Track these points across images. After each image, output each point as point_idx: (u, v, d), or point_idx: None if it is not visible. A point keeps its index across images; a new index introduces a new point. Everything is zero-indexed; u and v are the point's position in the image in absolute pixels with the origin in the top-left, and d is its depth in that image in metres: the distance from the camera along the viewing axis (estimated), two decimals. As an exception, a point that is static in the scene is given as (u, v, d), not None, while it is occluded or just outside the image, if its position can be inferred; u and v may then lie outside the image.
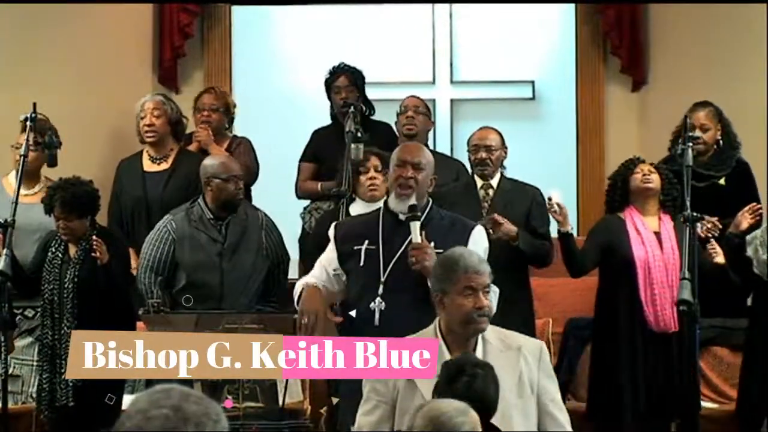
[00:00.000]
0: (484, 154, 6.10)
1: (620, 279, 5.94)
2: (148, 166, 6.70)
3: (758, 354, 6.05)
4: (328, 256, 4.93)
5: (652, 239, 5.93)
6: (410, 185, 4.82)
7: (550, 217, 5.92)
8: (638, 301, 5.86)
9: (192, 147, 6.83)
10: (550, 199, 5.87)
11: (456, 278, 4.13)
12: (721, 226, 5.93)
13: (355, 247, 4.83)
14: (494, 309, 4.63)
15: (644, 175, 6.01)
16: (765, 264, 5.99)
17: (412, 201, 4.81)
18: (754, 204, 6.01)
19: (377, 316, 4.67)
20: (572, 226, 5.94)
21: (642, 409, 5.87)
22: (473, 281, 4.11)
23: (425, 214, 4.86)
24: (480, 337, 4.16)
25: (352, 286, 4.85)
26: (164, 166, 6.68)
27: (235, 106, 7.20)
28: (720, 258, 5.77)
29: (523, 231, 5.88)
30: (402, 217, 4.81)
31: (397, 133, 7.00)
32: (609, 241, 5.98)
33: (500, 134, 6.19)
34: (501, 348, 4.16)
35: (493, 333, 4.21)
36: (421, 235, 4.74)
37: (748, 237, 5.99)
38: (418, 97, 6.95)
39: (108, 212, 6.69)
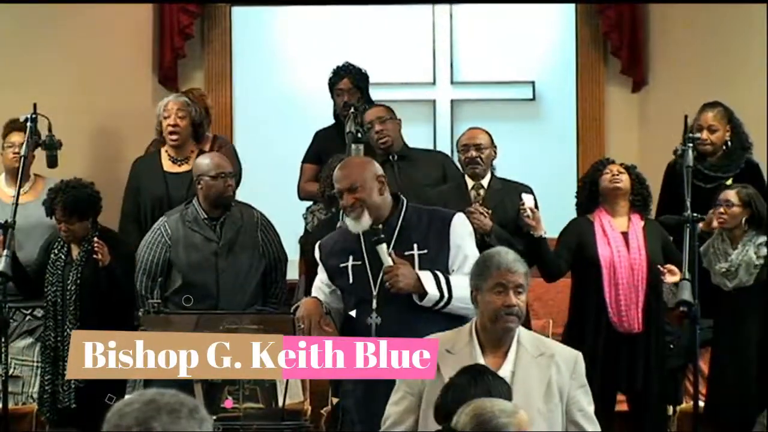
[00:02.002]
0: (474, 153, 6.11)
1: (587, 279, 5.96)
2: (169, 166, 6.60)
3: (724, 361, 6.05)
4: (320, 277, 4.92)
5: (619, 239, 5.94)
6: (356, 208, 4.74)
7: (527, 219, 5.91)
8: (603, 301, 5.88)
9: None
10: (522, 203, 5.88)
11: (488, 275, 4.14)
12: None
13: (341, 265, 4.80)
14: None
15: (613, 175, 6.02)
16: (720, 274, 5.98)
17: (366, 220, 4.72)
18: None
19: (373, 330, 4.64)
20: (545, 231, 5.92)
21: (601, 410, 5.88)
22: (504, 278, 4.11)
23: (401, 217, 4.81)
24: (516, 340, 4.17)
25: (346, 303, 4.84)
26: (185, 167, 6.54)
27: (212, 107, 7.19)
28: (672, 278, 5.68)
29: (498, 228, 5.89)
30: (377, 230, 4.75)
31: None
32: (577, 242, 6.01)
33: (489, 134, 6.21)
34: (534, 354, 4.15)
35: (529, 338, 4.22)
36: (390, 255, 4.69)
37: (701, 248, 5.97)
38: (377, 105, 6.75)
39: (122, 209, 6.64)
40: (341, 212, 5.52)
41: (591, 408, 4.17)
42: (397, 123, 6.61)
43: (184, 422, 2.31)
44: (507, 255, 4.20)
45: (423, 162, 6.57)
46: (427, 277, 4.68)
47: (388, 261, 4.67)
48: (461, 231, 4.82)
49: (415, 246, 4.74)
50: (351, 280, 4.78)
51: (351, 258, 4.79)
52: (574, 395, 4.15)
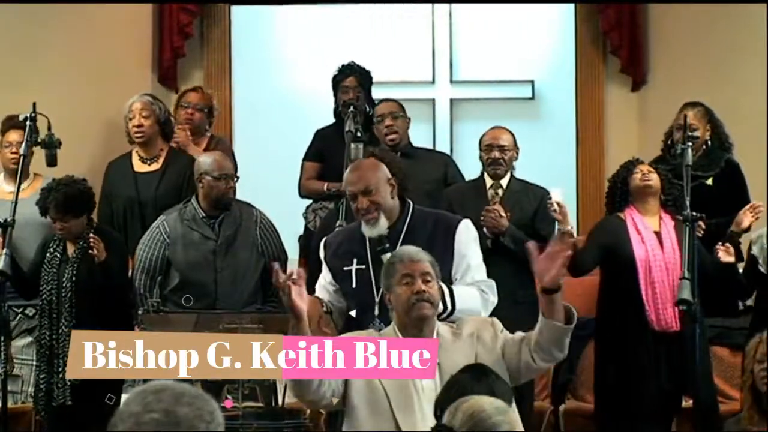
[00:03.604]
0: (497, 154, 6.11)
1: (622, 279, 5.95)
2: (139, 166, 6.67)
3: None
4: (324, 276, 4.91)
5: (653, 239, 5.94)
6: (372, 212, 4.73)
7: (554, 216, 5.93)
8: (640, 300, 5.87)
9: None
10: (550, 198, 5.89)
11: (394, 271, 4.23)
12: (705, 226, 5.93)
13: (345, 268, 4.79)
14: (494, 300, 4.67)
15: (643, 174, 6.04)
16: None
17: (383, 223, 4.73)
18: (756, 203, 6.04)
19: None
20: (572, 226, 5.94)
21: (647, 409, 5.88)
22: (409, 269, 4.20)
23: (407, 222, 4.80)
24: (435, 333, 4.22)
25: (349, 305, 4.84)
26: (155, 166, 6.65)
27: (217, 109, 7.21)
28: (729, 257, 5.76)
29: (514, 229, 5.89)
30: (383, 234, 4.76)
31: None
32: (610, 240, 6.00)
33: (513, 134, 6.21)
34: (453, 339, 4.22)
35: (444, 328, 4.28)
36: None
37: (753, 235, 6.01)
38: (391, 100, 6.81)
39: (97, 215, 6.66)
40: (340, 210, 5.53)
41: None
42: (407, 121, 6.72)
43: None
44: (408, 248, 4.31)
45: (425, 161, 6.60)
46: None
47: None
48: (466, 239, 4.80)
49: None
50: (354, 284, 4.77)
51: (355, 262, 4.77)
52: (504, 338, 4.22)
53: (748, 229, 6.07)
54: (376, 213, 4.72)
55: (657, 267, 5.89)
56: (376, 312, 4.66)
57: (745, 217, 6.02)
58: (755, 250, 6.04)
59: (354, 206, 4.78)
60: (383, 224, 4.73)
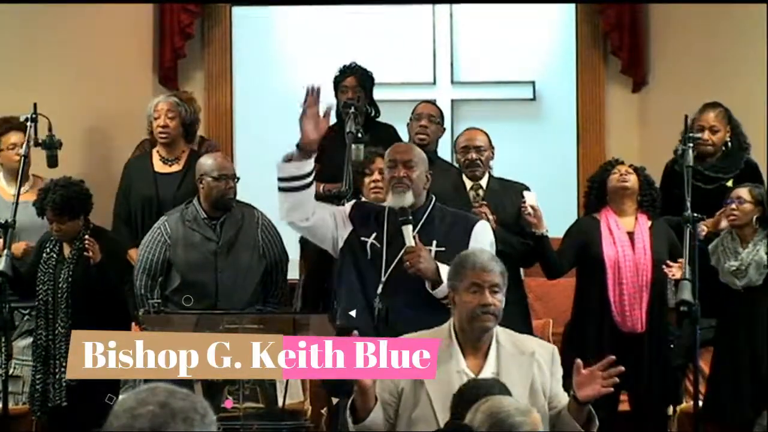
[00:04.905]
0: (474, 155, 6.10)
1: (592, 278, 5.97)
2: (159, 167, 6.65)
3: (729, 360, 6.04)
4: (342, 214, 5.01)
5: (625, 239, 5.95)
6: (404, 182, 4.88)
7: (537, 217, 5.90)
8: (607, 300, 5.88)
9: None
10: (524, 201, 5.87)
11: (464, 275, 4.19)
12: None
13: (363, 238, 4.92)
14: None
15: (621, 175, 6.04)
16: (730, 273, 5.97)
17: (409, 198, 4.87)
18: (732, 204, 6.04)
19: (375, 314, 4.71)
20: (547, 228, 5.92)
21: (603, 410, 5.88)
22: (479, 278, 4.16)
23: (427, 212, 4.92)
24: (494, 340, 4.20)
25: (356, 277, 4.92)
26: (176, 167, 6.63)
27: (200, 110, 7.20)
28: (680, 273, 5.63)
29: (501, 230, 5.88)
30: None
31: (400, 136, 6.99)
32: (582, 241, 6.03)
33: (487, 134, 6.20)
34: (514, 352, 4.20)
35: (506, 336, 4.26)
36: (414, 237, 4.77)
37: (710, 246, 5.97)
38: (433, 104, 6.90)
39: (114, 212, 6.66)
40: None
41: (566, 398, 4.22)
42: (441, 130, 6.83)
43: (197, 429, 2.31)
44: (482, 255, 4.28)
45: (441, 171, 6.60)
46: (445, 269, 4.70)
47: (411, 242, 4.79)
48: (482, 237, 4.92)
49: (434, 243, 4.83)
50: (369, 256, 4.90)
51: (374, 235, 4.90)
52: (557, 392, 4.22)
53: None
54: (405, 185, 4.89)
55: (626, 267, 5.90)
56: (379, 291, 4.79)
57: (723, 218, 6.01)
58: (713, 261, 6.00)
59: (388, 175, 4.94)
60: (409, 199, 4.88)
